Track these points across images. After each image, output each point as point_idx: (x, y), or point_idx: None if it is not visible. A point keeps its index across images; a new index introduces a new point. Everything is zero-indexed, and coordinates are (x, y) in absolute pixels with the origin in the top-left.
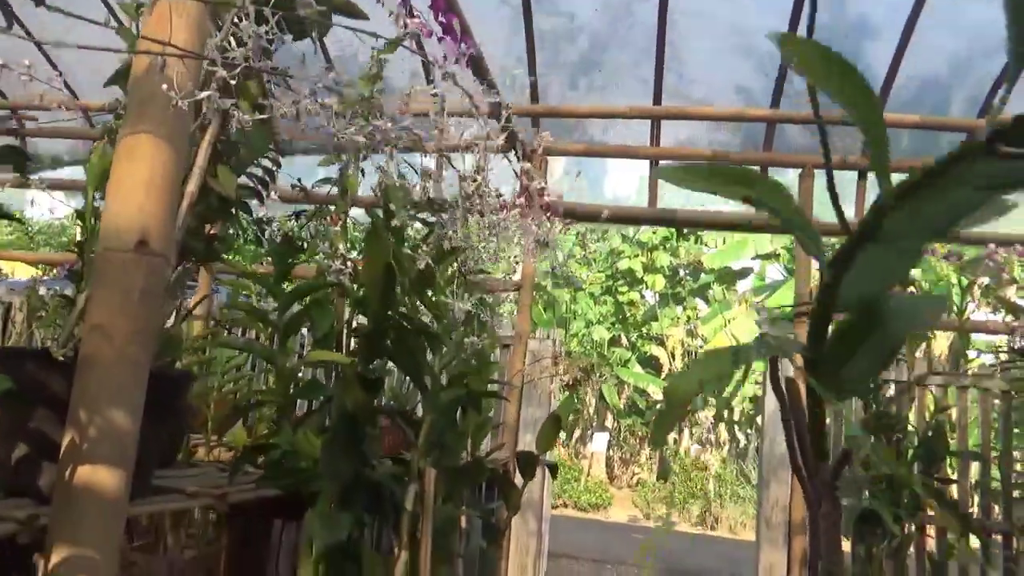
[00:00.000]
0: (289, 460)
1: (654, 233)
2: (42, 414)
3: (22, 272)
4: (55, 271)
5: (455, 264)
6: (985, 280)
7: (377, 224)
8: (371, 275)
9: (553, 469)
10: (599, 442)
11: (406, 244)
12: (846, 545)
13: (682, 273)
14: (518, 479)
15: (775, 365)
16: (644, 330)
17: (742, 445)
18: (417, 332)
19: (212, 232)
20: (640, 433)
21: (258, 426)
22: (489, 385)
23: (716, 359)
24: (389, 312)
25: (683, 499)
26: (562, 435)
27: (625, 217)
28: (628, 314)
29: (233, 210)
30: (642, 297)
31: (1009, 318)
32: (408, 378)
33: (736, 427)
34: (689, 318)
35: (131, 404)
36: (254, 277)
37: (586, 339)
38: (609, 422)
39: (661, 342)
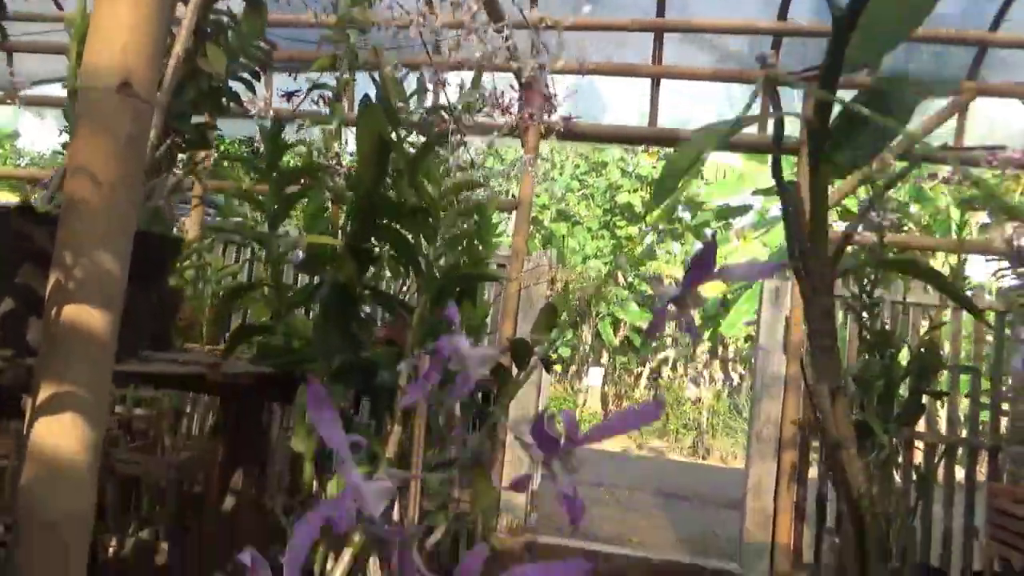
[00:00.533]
0: (282, 341)
1: (653, 167)
2: (28, 269)
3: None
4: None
5: (451, 158)
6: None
7: (371, 103)
8: (363, 151)
9: (547, 364)
10: (594, 377)
11: (401, 129)
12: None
13: (680, 209)
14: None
15: (778, 162)
16: (641, 268)
17: (736, 383)
18: (412, 211)
19: (206, 121)
20: (635, 371)
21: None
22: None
23: (712, 132)
24: (381, 190)
25: (675, 430)
26: (557, 368)
27: (626, 136)
28: (626, 249)
29: (224, 100)
30: (641, 232)
31: (1011, 226)
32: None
33: (731, 365)
34: (688, 253)
35: (118, 250)
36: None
37: (583, 275)
38: (605, 359)
39: (659, 279)
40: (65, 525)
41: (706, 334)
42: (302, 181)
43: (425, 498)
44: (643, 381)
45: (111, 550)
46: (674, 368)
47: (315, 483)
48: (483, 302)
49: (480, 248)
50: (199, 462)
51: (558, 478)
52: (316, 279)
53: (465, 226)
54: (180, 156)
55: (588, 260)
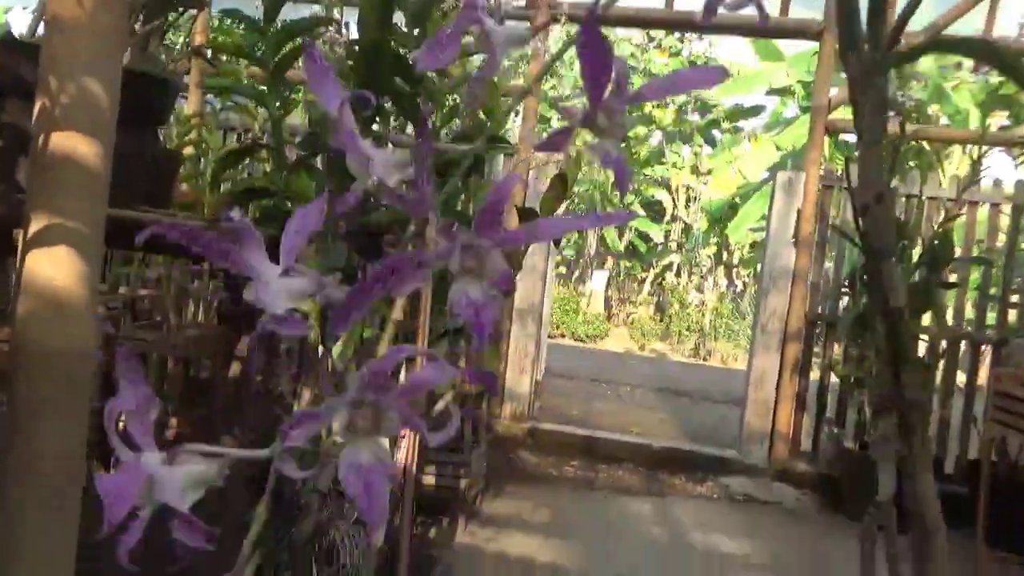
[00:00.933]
0: (283, 205)
1: (666, 65)
2: (15, 105)
3: None
4: None
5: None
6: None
7: None
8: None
9: (555, 240)
10: (598, 280)
11: None
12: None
13: (690, 110)
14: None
15: None
16: (647, 173)
17: (739, 289)
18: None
19: None
20: (639, 276)
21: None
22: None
23: None
24: (384, 42)
25: (678, 333)
26: (562, 270)
27: (641, 19)
28: (633, 150)
29: None
30: (649, 132)
31: None
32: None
33: (735, 271)
34: (696, 155)
35: (105, 73)
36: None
37: (587, 175)
38: (609, 264)
39: (666, 186)
40: (65, 357)
41: (712, 238)
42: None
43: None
44: (647, 286)
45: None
46: (678, 273)
47: (319, 348)
48: (491, 180)
49: (488, 121)
50: (205, 340)
51: (603, 140)
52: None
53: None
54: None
55: (594, 160)
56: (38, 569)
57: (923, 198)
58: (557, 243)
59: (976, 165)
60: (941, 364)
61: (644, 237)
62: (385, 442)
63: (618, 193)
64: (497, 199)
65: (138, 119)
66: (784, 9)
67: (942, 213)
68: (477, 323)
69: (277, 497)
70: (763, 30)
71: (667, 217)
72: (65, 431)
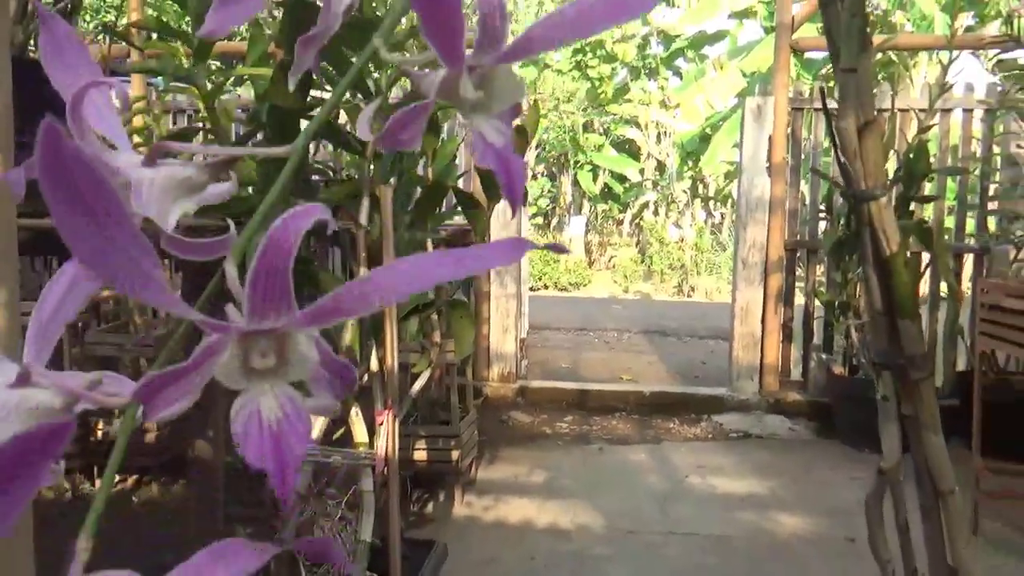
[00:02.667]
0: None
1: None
2: None
3: None
4: None
5: None
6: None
7: None
8: None
9: (523, 194)
10: (576, 226)
11: None
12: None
13: (653, 43)
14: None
15: None
16: (616, 112)
17: (717, 221)
18: (351, 26)
19: None
20: (617, 217)
21: None
22: None
23: None
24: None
25: (660, 271)
26: (539, 220)
27: None
28: (599, 91)
29: None
30: (614, 71)
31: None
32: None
33: (712, 204)
34: (663, 88)
35: None
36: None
37: (557, 124)
38: (585, 209)
39: (636, 122)
40: None
41: (686, 172)
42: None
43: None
44: (626, 228)
45: (100, 432)
46: (656, 212)
47: None
48: (451, 139)
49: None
50: (169, 337)
51: (474, 117)
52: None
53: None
54: None
55: (560, 105)
56: None
57: (895, 110)
58: (525, 196)
59: (946, 71)
60: (926, 276)
61: (619, 177)
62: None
63: (586, 137)
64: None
65: (40, 109)
66: None
67: (914, 125)
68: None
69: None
70: None
71: (644, 156)
72: None
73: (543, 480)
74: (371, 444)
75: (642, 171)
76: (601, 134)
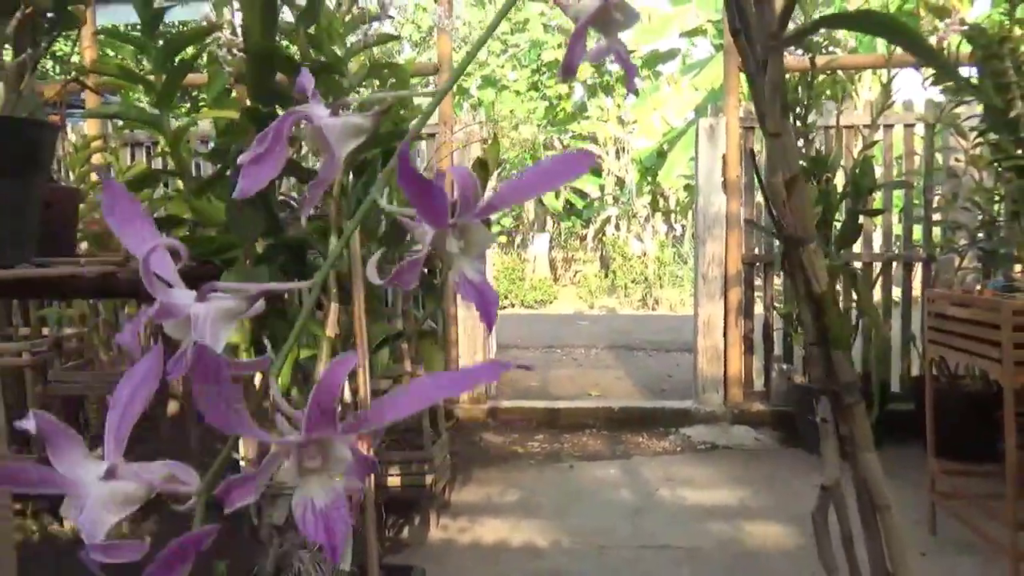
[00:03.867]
0: (195, 231)
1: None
2: None
3: None
4: None
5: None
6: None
7: None
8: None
9: (487, 220)
10: (540, 244)
11: None
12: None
13: (608, 61)
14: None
15: None
16: (575, 131)
17: (678, 233)
18: (313, 69)
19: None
20: (580, 233)
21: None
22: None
23: None
24: (274, 46)
25: (624, 286)
26: (503, 239)
27: None
28: (557, 108)
29: None
30: (571, 90)
31: (941, 26)
32: None
33: (673, 216)
34: (620, 106)
35: None
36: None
37: (516, 142)
38: (549, 226)
39: (594, 139)
40: None
41: (646, 187)
42: (194, 57)
43: (375, 378)
44: (589, 243)
45: None
46: (618, 227)
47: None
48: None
49: (402, 111)
50: None
51: (457, 265)
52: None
53: (379, 86)
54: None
55: (520, 125)
56: None
57: (840, 127)
58: (488, 224)
59: (887, 89)
60: (878, 285)
61: (580, 194)
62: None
63: (546, 154)
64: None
65: (16, 167)
66: None
67: (859, 140)
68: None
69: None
70: None
71: (604, 172)
72: None
73: (516, 500)
74: None
75: (603, 187)
76: (560, 151)
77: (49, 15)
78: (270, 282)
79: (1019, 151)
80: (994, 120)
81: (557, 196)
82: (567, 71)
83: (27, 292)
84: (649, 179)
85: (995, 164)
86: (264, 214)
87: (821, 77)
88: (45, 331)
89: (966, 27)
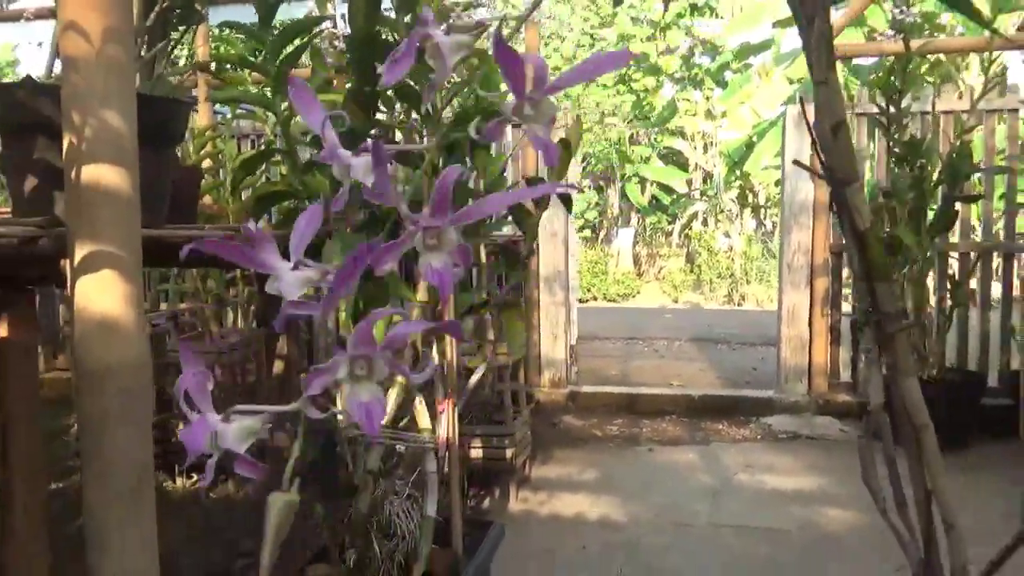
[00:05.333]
0: (303, 205)
1: (664, 13)
2: (43, 143)
3: None
4: None
5: None
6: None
7: None
8: None
9: (567, 201)
10: (624, 238)
11: None
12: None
13: (697, 54)
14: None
15: None
16: (662, 125)
17: (768, 229)
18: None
19: None
20: (666, 229)
21: None
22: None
23: None
24: (376, 30)
25: (710, 281)
26: (588, 233)
27: None
28: (644, 103)
29: None
30: (659, 83)
31: None
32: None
33: (762, 212)
34: (708, 99)
35: (121, 104)
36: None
37: (600, 137)
38: (634, 221)
39: (682, 134)
40: (121, 371)
41: (734, 181)
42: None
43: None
44: (675, 238)
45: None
46: (705, 222)
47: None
48: (500, 154)
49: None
50: (247, 345)
51: (530, 124)
52: None
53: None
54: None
55: (606, 118)
56: (124, 561)
57: (936, 113)
58: (568, 206)
59: (987, 73)
60: (976, 277)
61: (667, 189)
62: (378, 386)
63: (632, 149)
64: (443, 189)
65: (156, 142)
66: None
67: (959, 127)
68: (441, 287)
69: (333, 480)
70: None
71: (691, 166)
72: (131, 438)
73: (595, 478)
74: (433, 431)
75: (690, 182)
76: (648, 146)
77: (176, 11)
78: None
79: None
80: None
81: (643, 191)
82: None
83: (155, 258)
84: (738, 173)
85: None
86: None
87: (923, 64)
88: (163, 306)
89: None
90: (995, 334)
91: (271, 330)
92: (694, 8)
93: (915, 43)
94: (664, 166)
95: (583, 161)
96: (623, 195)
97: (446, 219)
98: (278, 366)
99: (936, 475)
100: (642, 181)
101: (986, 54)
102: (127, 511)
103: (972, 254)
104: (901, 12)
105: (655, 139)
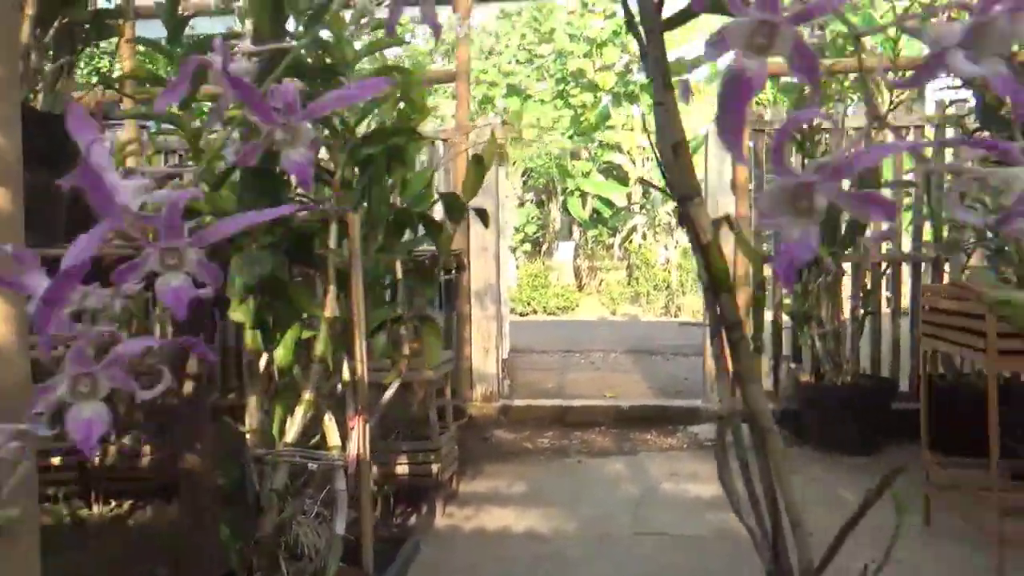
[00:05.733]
0: (213, 222)
1: (602, 29)
2: None
3: None
4: None
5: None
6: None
7: None
8: (254, 4)
9: (483, 215)
10: (565, 252)
11: None
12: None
13: (635, 70)
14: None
15: None
16: (600, 139)
17: None
18: (318, 70)
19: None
20: (607, 242)
21: None
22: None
23: None
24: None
25: (647, 293)
26: (527, 247)
27: None
28: (582, 118)
29: None
30: (596, 98)
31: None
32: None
33: None
34: (644, 115)
35: (2, 121)
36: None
37: (541, 153)
38: (576, 235)
39: (619, 148)
40: (1, 394)
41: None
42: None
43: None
44: (615, 251)
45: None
46: (645, 236)
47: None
48: (422, 171)
49: (409, 112)
50: (166, 364)
51: (287, 150)
52: None
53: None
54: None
55: (545, 134)
56: None
57: (844, 129)
58: (484, 220)
59: (891, 91)
60: (884, 286)
61: (607, 203)
62: (101, 403)
63: (573, 164)
64: (173, 210)
65: (53, 160)
66: None
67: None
68: (177, 306)
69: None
70: None
71: (631, 180)
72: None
73: (523, 491)
74: (344, 448)
75: (629, 196)
76: (588, 160)
77: (87, 26)
78: (272, 266)
79: None
80: (986, 116)
81: (584, 204)
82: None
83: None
84: None
85: (989, 161)
86: (271, 203)
87: (846, 82)
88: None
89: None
90: (906, 341)
91: (179, 348)
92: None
93: (822, 63)
94: (605, 180)
95: (523, 176)
96: (564, 209)
97: (182, 240)
98: (187, 386)
99: (781, 476)
100: (583, 195)
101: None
102: (5, 546)
103: (883, 264)
104: (811, 34)
105: (595, 153)
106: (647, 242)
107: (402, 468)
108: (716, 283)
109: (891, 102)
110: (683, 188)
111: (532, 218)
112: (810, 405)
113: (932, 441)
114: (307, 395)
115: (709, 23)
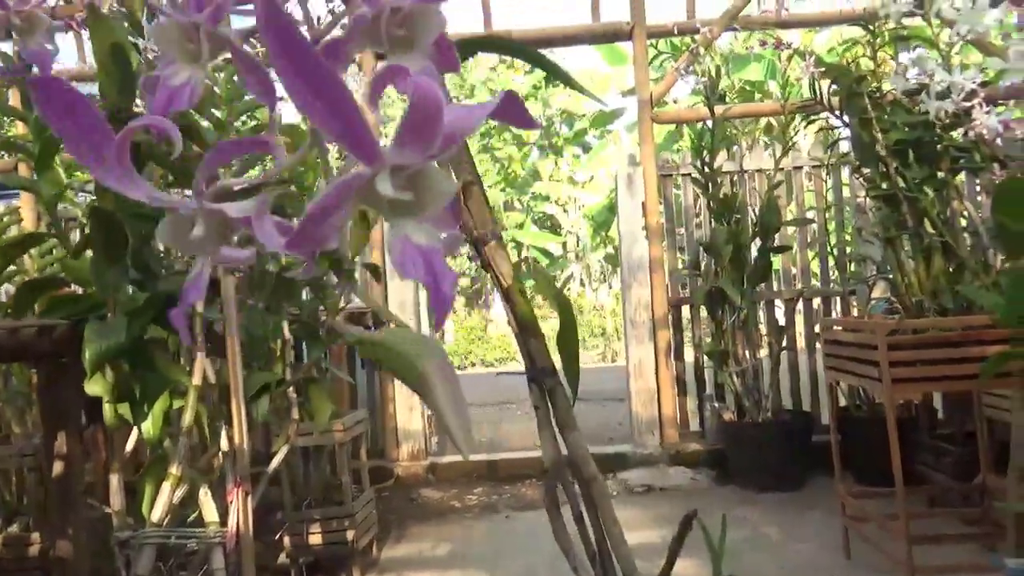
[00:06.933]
0: (74, 292)
1: (522, 84)
2: None
3: None
4: None
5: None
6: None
7: (95, 7)
8: (101, 60)
9: (374, 271)
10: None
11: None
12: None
13: (557, 123)
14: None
15: None
16: (533, 191)
17: None
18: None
19: None
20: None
21: None
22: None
23: None
24: (131, 108)
25: (583, 339)
26: (462, 300)
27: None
28: (509, 170)
29: None
30: (524, 152)
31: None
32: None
33: None
34: (571, 165)
35: None
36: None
37: None
38: None
39: (547, 199)
40: None
41: (599, 242)
42: None
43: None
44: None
45: None
46: (582, 283)
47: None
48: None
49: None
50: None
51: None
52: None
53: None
54: None
55: None
56: None
57: (743, 171)
58: (375, 275)
59: (784, 133)
60: (799, 321)
61: (544, 252)
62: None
63: (507, 215)
64: None
65: None
66: (595, 15)
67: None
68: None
69: None
70: (576, 38)
71: (564, 229)
72: None
73: (447, 553)
74: (223, 523)
75: (564, 245)
76: (522, 212)
77: None
78: (130, 334)
79: (884, 184)
80: (863, 154)
81: (519, 255)
82: None
83: None
84: (603, 234)
85: (867, 196)
86: (121, 263)
87: (756, 128)
88: None
89: (823, 69)
90: (823, 374)
91: (49, 428)
92: (548, 79)
93: (718, 109)
94: (539, 231)
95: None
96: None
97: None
98: (57, 467)
99: (610, 525)
100: (519, 246)
101: (782, 117)
102: None
103: (794, 299)
104: (697, 83)
105: (528, 205)
106: (584, 289)
107: (315, 537)
108: (523, 328)
109: (784, 146)
110: (478, 231)
111: (466, 271)
112: (734, 443)
113: (856, 472)
114: (174, 469)
115: (620, 78)
